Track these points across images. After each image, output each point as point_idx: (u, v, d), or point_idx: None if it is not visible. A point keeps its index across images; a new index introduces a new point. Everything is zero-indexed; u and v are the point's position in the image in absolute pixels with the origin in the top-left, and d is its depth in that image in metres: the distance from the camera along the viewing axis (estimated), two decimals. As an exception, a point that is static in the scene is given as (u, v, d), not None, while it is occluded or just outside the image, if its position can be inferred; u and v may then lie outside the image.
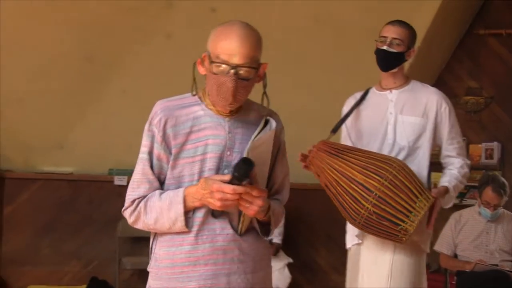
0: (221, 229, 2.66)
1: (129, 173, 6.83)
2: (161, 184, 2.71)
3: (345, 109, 4.20)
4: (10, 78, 6.34)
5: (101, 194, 6.87)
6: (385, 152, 3.95)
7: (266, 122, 2.69)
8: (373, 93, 4.15)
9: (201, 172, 2.66)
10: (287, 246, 6.83)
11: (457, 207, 5.71)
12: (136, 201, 2.70)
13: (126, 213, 2.74)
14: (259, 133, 2.63)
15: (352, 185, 3.64)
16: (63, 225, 6.89)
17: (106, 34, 6.26)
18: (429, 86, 4.17)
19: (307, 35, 6.39)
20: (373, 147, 3.98)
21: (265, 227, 2.77)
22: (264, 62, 2.70)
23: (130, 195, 2.72)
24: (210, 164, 2.65)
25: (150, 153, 2.69)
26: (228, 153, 2.67)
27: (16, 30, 6.08)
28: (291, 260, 6.64)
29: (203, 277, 2.67)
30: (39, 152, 6.91)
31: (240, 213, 2.67)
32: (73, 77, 6.49)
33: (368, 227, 3.68)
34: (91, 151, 6.87)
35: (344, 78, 6.25)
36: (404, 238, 3.64)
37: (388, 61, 4.02)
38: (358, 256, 4.03)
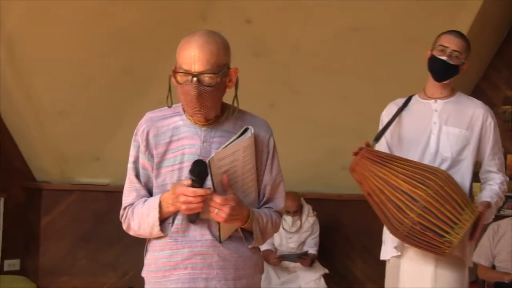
0: (201, 235, 2.76)
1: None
2: (150, 192, 2.83)
3: (386, 115, 4.15)
4: (50, 91, 6.41)
5: (137, 205, 6.87)
6: (426, 162, 3.90)
7: (245, 131, 2.73)
8: (417, 100, 4.09)
9: (178, 180, 2.75)
10: (323, 256, 6.79)
11: (495, 218, 5.62)
12: (127, 208, 2.85)
13: (122, 221, 2.90)
14: (232, 141, 2.67)
15: (397, 194, 3.60)
16: (100, 236, 6.92)
17: (143, 46, 6.30)
18: (475, 99, 4.12)
19: (343, 44, 6.37)
20: (414, 156, 3.92)
21: (250, 235, 2.83)
22: (235, 67, 2.76)
23: (123, 203, 2.88)
24: (187, 172, 2.71)
25: (135, 162, 2.86)
26: None
27: (56, 44, 6.15)
28: (327, 271, 6.59)
29: (181, 280, 2.77)
30: (76, 164, 6.96)
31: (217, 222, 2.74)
32: (110, 89, 6.54)
33: (410, 237, 3.62)
34: (127, 163, 6.89)
35: (382, 87, 6.21)
36: (447, 251, 3.59)
37: (445, 72, 3.97)
38: (397, 268, 3.97)
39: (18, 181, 6.97)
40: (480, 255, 5.83)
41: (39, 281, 6.89)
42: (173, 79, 2.75)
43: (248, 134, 2.72)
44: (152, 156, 2.80)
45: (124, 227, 2.91)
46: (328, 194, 7.00)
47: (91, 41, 6.21)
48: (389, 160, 3.72)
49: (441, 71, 3.97)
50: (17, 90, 6.37)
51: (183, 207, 2.64)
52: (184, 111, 2.82)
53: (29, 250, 6.96)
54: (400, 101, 4.12)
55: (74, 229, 6.93)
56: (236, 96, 2.79)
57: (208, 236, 2.75)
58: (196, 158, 2.72)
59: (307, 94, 6.56)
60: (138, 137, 2.83)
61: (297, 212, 6.55)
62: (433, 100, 4.03)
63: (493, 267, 5.81)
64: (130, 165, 2.86)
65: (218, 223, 2.72)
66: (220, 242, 2.76)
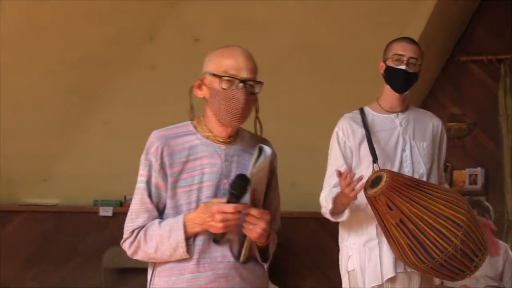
0: (223, 257, 2.67)
1: (114, 204, 6.82)
2: (160, 213, 2.71)
3: (342, 131, 3.82)
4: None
5: (86, 226, 6.81)
6: None
7: (260, 149, 2.70)
8: (375, 115, 3.84)
9: (198, 200, 2.67)
10: (274, 274, 6.79)
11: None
12: (136, 231, 2.69)
13: (126, 245, 2.73)
14: (256, 160, 2.64)
15: (439, 220, 3.38)
16: (48, 257, 6.83)
17: (90, 66, 6.26)
18: (425, 110, 4.06)
19: (293, 63, 6.41)
20: None
21: (263, 254, 2.79)
22: None
23: (129, 226, 2.71)
24: (207, 192, 2.67)
25: (148, 182, 2.69)
26: (225, 181, 2.69)
27: (2, 63, 6.07)
28: (277, 288, 6.61)
29: None
30: (23, 185, 6.88)
31: (240, 240, 2.68)
32: (56, 109, 6.48)
33: (445, 266, 3.43)
34: (75, 183, 6.84)
35: (332, 104, 6.26)
36: (468, 275, 3.51)
37: (407, 82, 3.74)
38: None
39: (-35, 203, 6.86)
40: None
41: (-13, 304, 6.78)
42: (196, 90, 2.72)
43: (267, 153, 2.69)
44: (166, 175, 2.68)
45: (130, 251, 2.73)
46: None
47: (37, 61, 6.14)
48: (420, 183, 3.52)
49: (402, 81, 3.74)
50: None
51: (220, 225, 2.55)
52: (196, 129, 2.75)
53: (-24, 273, 6.85)
54: (355, 116, 3.84)
55: (23, 251, 6.84)
56: (257, 117, 2.80)
57: (230, 257, 2.67)
58: (217, 177, 2.67)
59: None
60: (150, 156, 2.68)
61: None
62: (394, 114, 3.83)
63: (441, 282, 5.86)
64: (141, 185, 2.70)
65: (244, 241, 2.67)
66: (242, 261, 2.69)
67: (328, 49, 6.29)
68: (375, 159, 3.67)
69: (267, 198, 2.83)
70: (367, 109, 3.86)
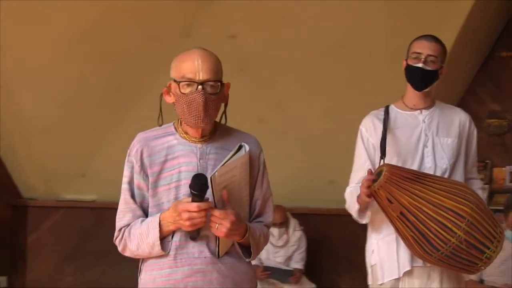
0: (199, 252, 2.75)
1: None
2: (145, 212, 2.83)
3: (366, 128, 3.90)
4: (36, 108, 6.40)
5: (124, 221, 6.85)
6: None
7: (240, 147, 2.76)
8: (397, 112, 3.89)
9: (176, 198, 2.76)
10: (310, 271, 6.79)
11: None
12: (122, 230, 2.84)
13: (116, 242, 2.88)
14: (230, 157, 2.70)
15: (441, 212, 3.39)
16: (86, 253, 6.90)
17: (130, 63, 6.31)
18: (454, 106, 4.04)
19: (329, 60, 6.39)
20: None
21: (248, 250, 2.84)
22: (227, 82, 2.80)
23: (117, 224, 2.86)
24: (184, 190, 2.74)
25: (130, 183, 2.82)
26: None
27: (43, 61, 6.15)
28: (314, 286, 6.60)
29: None
30: (62, 180, 6.95)
31: (217, 236, 2.75)
32: (97, 106, 6.54)
33: (451, 257, 3.43)
34: (113, 179, 6.83)
35: (369, 102, 6.21)
36: (483, 267, 3.49)
37: (425, 80, 3.78)
38: None
39: (5, 198, 6.94)
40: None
41: (26, 298, 6.86)
42: (166, 96, 2.82)
43: (244, 151, 2.75)
44: (147, 175, 2.79)
45: (120, 248, 2.88)
46: (315, 209, 7.01)
47: (78, 58, 6.21)
48: (421, 175, 3.52)
49: (420, 79, 3.78)
50: (3, 107, 6.35)
51: (187, 223, 2.64)
52: (176, 130, 2.85)
53: (16, 267, 6.93)
54: (379, 113, 3.91)
55: (61, 246, 6.91)
56: (225, 112, 2.84)
57: (207, 253, 2.75)
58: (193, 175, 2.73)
59: (294, 110, 6.58)
60: (132, 158, 2.81)
61: (283, 224, 6.55)
62: (418, 111, 3.86)
63: (481, 281, 5.81)
64: (124, 186, 2.84)
65: (218, 238, 2.74)
66: (218, 257, 2.76)
67: (365, 46, 6.26)
68: (383, 155, 3.73)
69: (254, 195, 2.89)
70: (392, 107, 3.92)
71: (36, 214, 6.90)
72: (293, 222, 6.66)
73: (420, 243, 3.46)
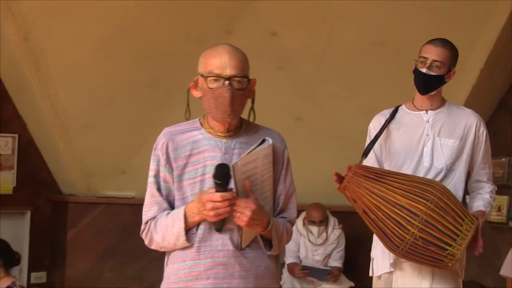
0: (223, 245, 2.80)
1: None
2: (171, 205, 2.88)
3: (374, 127, 4.06)
4: (76, 104, 6.46)
5: (163, 218, 6.88)
6: (420, 175, 3.81)
7: (264, 141, 2.81)
8: (405, 112, 4.01)
9: (201, 191, 2.79)
10: (349, 270, 6.77)
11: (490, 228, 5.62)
12: (149, 223, 2.90)
13: (143, 235, 2.94)
14: (253, 149, 2.75)
15: (395, 210, 3.50)
16: (126, 249, 6.94)
17: (169, 60, 6.34)
18: (466, 108, 4.03)
19: (368, 58, 6.36)
20: (407, 169, 3.85)
21: (270, 244, 2.88)
22: (254, 78, 2.85)
23: (143, 218, 2.92)
24: (209, 184, 2.78)
25: (156, 176, 2.89)
26: None
27: (83, 58, 6.20)
28: (352, 284, 6.58)
29: None
30: (102, 177, 7.00)
31: (240, 228, 2.78)
32: (136, 102, 6.58)
33: (412, 253, 3.54)
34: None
35: (406, 100, 6.20)
36: (450, 264, 3.52)
37: (427, 84, 3.86)
38: (390, 284, 3.93)
39: (45, 194, 7.02)
40: (508, 268, 5.78)
41: (65, 293, 6.93)
42: (193, 91, 2.89)
43: (267, 143, 2.80)
44: (172, 169, 2.85)
45: (146, 241, 2.94)
46: (351, 207, 6.97)
47: (116, 55, 6.26)
48: (383, 175, 3.62)
49: (423, 84, 3.87)
50: (43, 104, 6.42)
51: (211, 213, 2.67)
52: (202, 124, 2.91)
53: (56, 263, 6.99)
54: (388, 112, 4.06)
55: (100, 242, 6.96)
56: (252, 108, 2.90)
57: (229, 246, 2.79)
58: None
59: (332, 107, 6.56)
60: (158, 151, 2.88)
61: (323, 222, 6.55)
62: (424, 111, 3.95)
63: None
64: (150, 179, 2.91)
65: (240, 229, 2.77)
66: (241, 249, 2.80)
67: (404, 44, 6.22)
68: (364, 154, 3.91)
69: (277, 190, 2.94)
70: (401, 107, 4.06)
71: (75, 210, 6.95)
72: (332, 221, 6.65)
73: (384, 239, 3.60)
